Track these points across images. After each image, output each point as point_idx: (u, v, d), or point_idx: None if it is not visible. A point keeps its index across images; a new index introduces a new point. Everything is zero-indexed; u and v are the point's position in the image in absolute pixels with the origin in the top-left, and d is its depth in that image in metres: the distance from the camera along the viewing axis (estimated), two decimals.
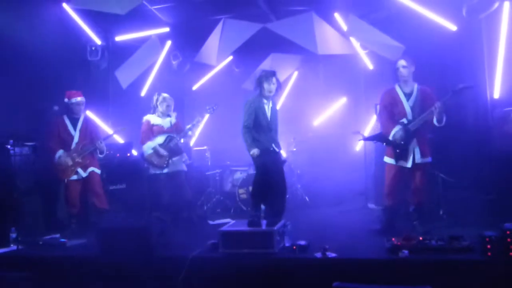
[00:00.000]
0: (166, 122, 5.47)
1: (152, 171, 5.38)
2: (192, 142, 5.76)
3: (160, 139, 5.37)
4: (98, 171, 5.31)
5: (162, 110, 5.45)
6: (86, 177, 5.18)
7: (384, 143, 4.44)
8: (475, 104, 5.36)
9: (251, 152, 4.37)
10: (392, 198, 4.41)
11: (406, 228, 4.26)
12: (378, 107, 4.79)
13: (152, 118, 5.47)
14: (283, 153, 4.85)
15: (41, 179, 5.41)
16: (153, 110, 5.50)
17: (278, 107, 4.92)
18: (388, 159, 4.44)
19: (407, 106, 4.34)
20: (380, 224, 4.49)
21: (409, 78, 4.42)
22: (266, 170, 4.40)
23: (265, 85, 4.43)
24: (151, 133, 5.43)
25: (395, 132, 4.30)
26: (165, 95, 5.50)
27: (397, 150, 4.29)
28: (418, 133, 4.28)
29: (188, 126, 5.38)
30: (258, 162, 4.44)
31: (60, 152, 5.11)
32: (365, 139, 5.66)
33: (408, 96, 4.37)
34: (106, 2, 5.63)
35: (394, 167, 4.36)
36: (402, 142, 4.25)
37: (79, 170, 5.15)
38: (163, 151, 5.32)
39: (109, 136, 5.55)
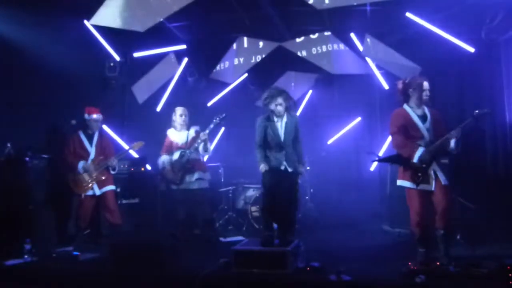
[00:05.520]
0: (182, 137, 5.46)
1: (171, 186, 5.39)
2: (205, 158, 5.76)
3: (176, 155, 5.38)
4: (113, 187, 5.33)
5: (179, 122, 5.46)
6: (101, 194, 5.20)
7: (402, 166, 4.16)
8: (493, 128, 5.29)
9: (260, 168, 4.38)
10: (425, 226, 4.05)
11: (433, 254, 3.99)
12: (390, 129, 4.35)
13: (170, 133, 5.52)
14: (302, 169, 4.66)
15: (55, 192, 5.45)
16: (172, 124, 5.54)
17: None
18: (406, 183, 4.12)
19: (423, 129, 4.10)
20: (420, 257, 4.03)
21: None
22: (271, 189, 4.36)
23: (271, 106, 4.39)
24: (170, 148, 5.46)
25: (420, 154, 4.01)
26: (178, 107, 5.55)
27: (419, 174, 4.03)
28: (437, 156, 4.08)
29: (198, 141, 5.32)
30: (264, 180, 4.42)
31: (82, 163, 5.13)
32: (380, 160, 5.35)
33: (422, 118, 4.14)
34: (126, 20, 5.74)
35: (417, 193, 4.06)
36: (424, 165, 4.03)
37: (95, 186, 5.17)
38: (169, 167, 5.32)
39: (124, 153, 5.58)
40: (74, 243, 5.01)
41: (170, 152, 5.44)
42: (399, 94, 4.23)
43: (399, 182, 4.19)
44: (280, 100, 4.36)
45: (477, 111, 3.89)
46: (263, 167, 4.36)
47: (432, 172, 4.04)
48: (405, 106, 4.20)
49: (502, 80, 5.27)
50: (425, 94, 4.14)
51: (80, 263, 4.47)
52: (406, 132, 4.14)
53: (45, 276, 4.12)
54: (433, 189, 4.03)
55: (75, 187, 5.13)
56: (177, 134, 5.49)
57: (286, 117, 4.45)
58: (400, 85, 4.24)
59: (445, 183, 4.02)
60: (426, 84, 4.14)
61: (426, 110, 4.18)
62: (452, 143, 3.93)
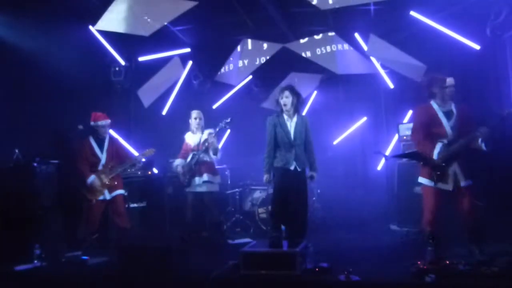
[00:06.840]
0: (196, 140, 5.49)
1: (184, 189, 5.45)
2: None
3: (189, 157, 5.43)
4: (122, 191, 5.34)
5: (194, 125, 5.52)
6: (111, 198, 5.23)
7: (421, 163, 4.15)
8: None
9: (264, 179, 4.50)
10: (436, 224, 4.05)
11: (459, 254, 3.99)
12: (412, 123, 4.37)
13: (187, 136, 5.59)
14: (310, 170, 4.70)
15: (64, 197, 5.48)
16: (189, 128, 5.60)
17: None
18: (425, 180, 4.11)
19: (447, 126, 4.05)
20: (429, 255, 3.95)
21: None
22: (281, 190, 4.37)
23: (279, 100, 4.46)
24: (186, 150, 5.51)
25: (439, 151, 4.01)
26: (193, 110, 5.61)
27: (437, 172, 4.00)
28: (459, 156, 4.04)
29: (206, 144, 5.36)
30: (275, 181, 4.44)
31: (92, 178, 5.14)
32: (397, 156, 5.23)
33: (447, 115, 4.08)
34: (130, 25, 5.78)
35: (433, 190, 4.05)
36: (443, 164, 4.00)
37: (105, 191, 5.20)
38: (181, 169, 5.37)
39: (140, 158, 5.58)
40: (83, 248, 5.03)
41: (186, 154, 5.49)
42: (424, 91, 4.21)
43: (420, 179, 4.19)
44: (286, 93, 4.41)
45: (507, 110, 3.83)
46: (266, 178, 4.45)
47: (451, 173, 4.01)
48: (432, 102, 4.17)
49: (508, 77, 5.23)
50: (449, 91, 4.11)
51: (89, 267, 4.49)
52: (429, 128, 4.11)
53: (54, 281, 4.15)
54: (451, 189, 4.01)
55: (88, 193, 5.14)
56: (193, 137, 5.55)
57: (296, 117, 4.50)
58: (424, 82, 4.25)
59: (464, 184, 4.00)
60: (449, 80, 4.12)
61: (453, 106, 4.12)
62: (480, 141, 3.89)
